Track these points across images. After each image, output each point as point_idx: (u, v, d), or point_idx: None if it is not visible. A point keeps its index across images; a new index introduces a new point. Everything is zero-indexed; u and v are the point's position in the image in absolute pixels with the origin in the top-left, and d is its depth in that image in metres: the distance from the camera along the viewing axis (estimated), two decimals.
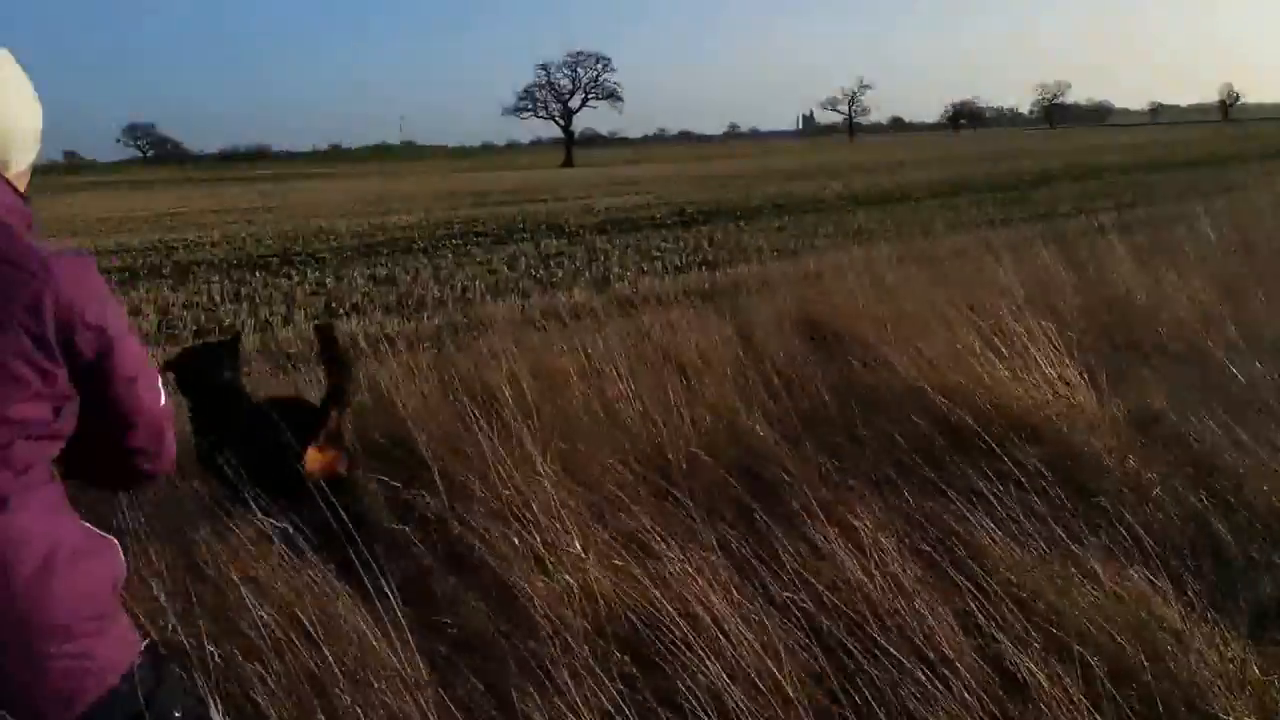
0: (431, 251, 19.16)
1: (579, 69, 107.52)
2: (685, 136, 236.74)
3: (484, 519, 3.40)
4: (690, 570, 3.02)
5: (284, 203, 42.15)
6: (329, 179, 76.67)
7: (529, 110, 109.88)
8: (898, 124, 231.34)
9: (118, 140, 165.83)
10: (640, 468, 3.97)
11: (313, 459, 3.74)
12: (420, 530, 3.71)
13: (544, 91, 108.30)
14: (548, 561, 3.07)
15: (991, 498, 3.32)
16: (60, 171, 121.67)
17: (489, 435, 4.41)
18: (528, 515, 3.32)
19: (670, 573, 3.04)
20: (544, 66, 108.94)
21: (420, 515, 3.87)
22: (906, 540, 3.23)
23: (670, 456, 4.14)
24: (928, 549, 3.19)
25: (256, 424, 3.75)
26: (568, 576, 2.97)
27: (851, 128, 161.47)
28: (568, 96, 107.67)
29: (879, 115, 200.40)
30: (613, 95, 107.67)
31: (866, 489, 3.62)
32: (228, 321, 11.62)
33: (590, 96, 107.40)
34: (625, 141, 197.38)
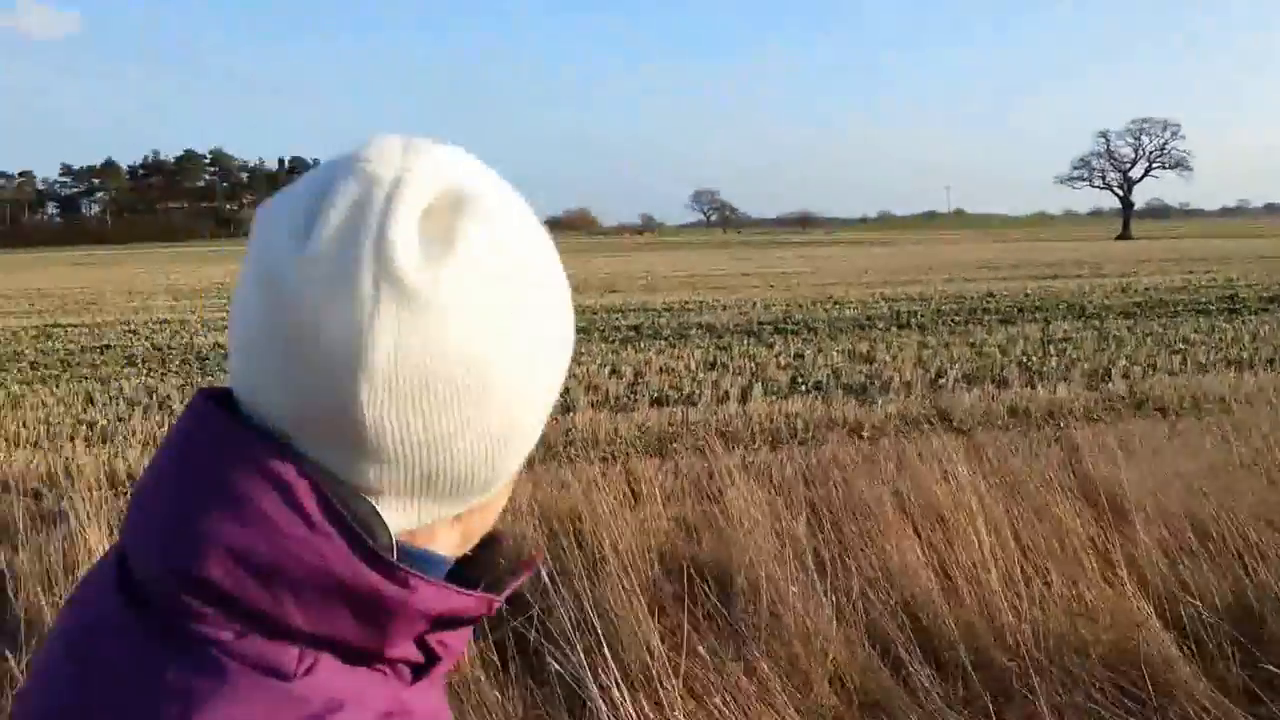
0: (929, 327, 18.18)
1: (1143, 136, 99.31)
2: (1272, 209, 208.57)
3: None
4: None
5: (812, 269, 43.25)
6: (869, 247, 77.91)
7: (1084, 179, 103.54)
8: None
9: (686, 205, 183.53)
10: (938, 671, 2.95)
11: None
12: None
13: (1102, 160, 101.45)
14: None
15: None
16: (632, 232, 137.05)
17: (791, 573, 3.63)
18: None
19: None
20: (1104, 134, 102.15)
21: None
22: None
23: (997, 660, 3.07)
24: None
25: None
26: None
27: None
28: (1128, 166, 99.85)
29: None
30: (1180, 164, 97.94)
31: None
32: (687, 390, 11.68)
33: (1154, 165, 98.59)
34: (1197, 214, 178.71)
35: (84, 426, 10.01)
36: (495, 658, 3.55)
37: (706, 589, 4.05)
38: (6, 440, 9.39)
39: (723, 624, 3.51)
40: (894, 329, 18.10)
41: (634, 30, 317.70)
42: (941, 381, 12.08)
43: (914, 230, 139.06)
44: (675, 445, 9.05)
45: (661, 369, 13.45)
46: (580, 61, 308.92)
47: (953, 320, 19.41)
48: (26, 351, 16.78)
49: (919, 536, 4.20)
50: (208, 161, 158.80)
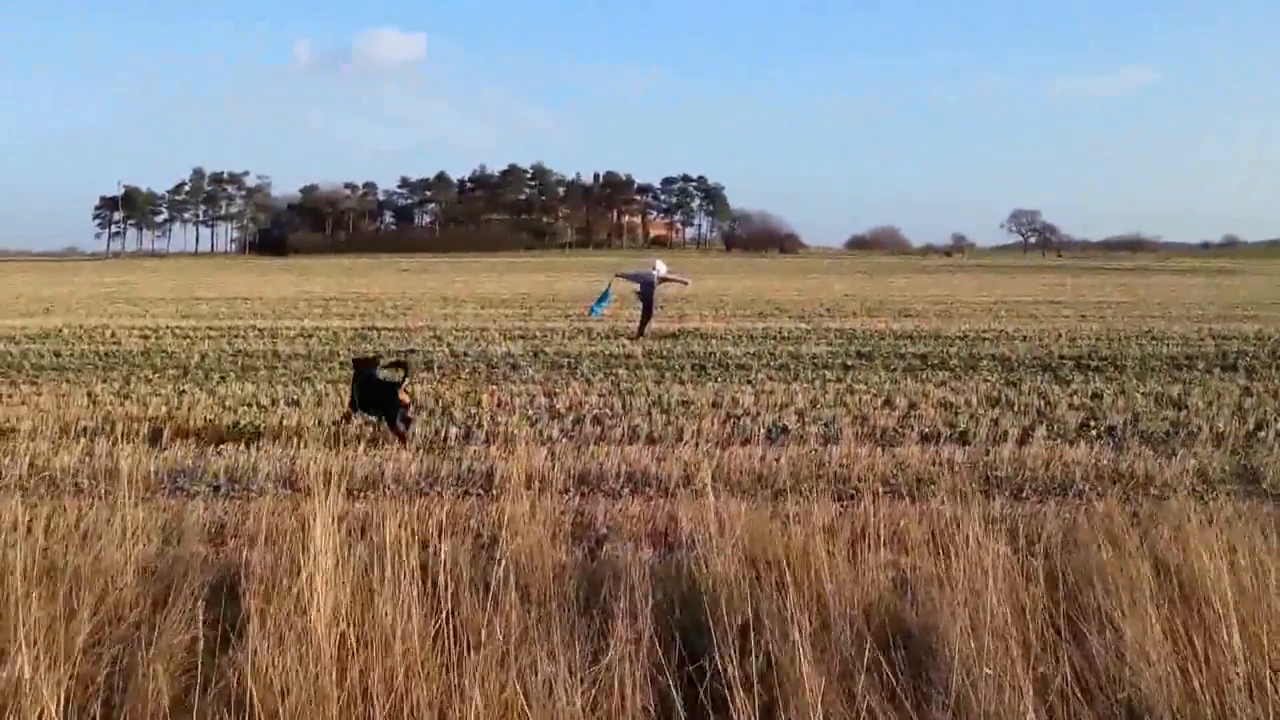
0: (1259, 371, 16.21)
1: None
2: None
3: None
4: None
5: (1134, 299, 40.00)
6: (1206, 276, 71.14)
7: None
8: None
9: (1001, 225, 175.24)
10: None
11: (402, 397, 9.97)
12: None
13: None
14: None
15: None
16: (940, 253, 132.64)
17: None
18: None
19: None
20: None
21: None
22: None
23: None
24: None
25: (382, 388, 10.27)
26: None
27: None
28: None
29: None
30: None
31: None
32: (962, 427, 10.95)
33: None
34: None
35: (367, 427, 10.70)
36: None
37: (903, 659, 3.70)
38: (293, 435, 10.19)
39: (902, 703, 3.15)
40: (1216, 371, 16.26)
41: (950, 44, 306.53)
42: (1260, 435, 10.66)
43: (1265, 258, 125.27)
44: (933, 487, 8.49)
45: (940, 403, 12.72)
46: (898, 76, 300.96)
47: None
48: (341, 353, 18.33)
49: (1168, 622, 3.61)
50: (529, 176, 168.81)
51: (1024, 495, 8.18)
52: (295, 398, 12.84)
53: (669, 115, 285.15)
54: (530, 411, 11.80)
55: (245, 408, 12.10)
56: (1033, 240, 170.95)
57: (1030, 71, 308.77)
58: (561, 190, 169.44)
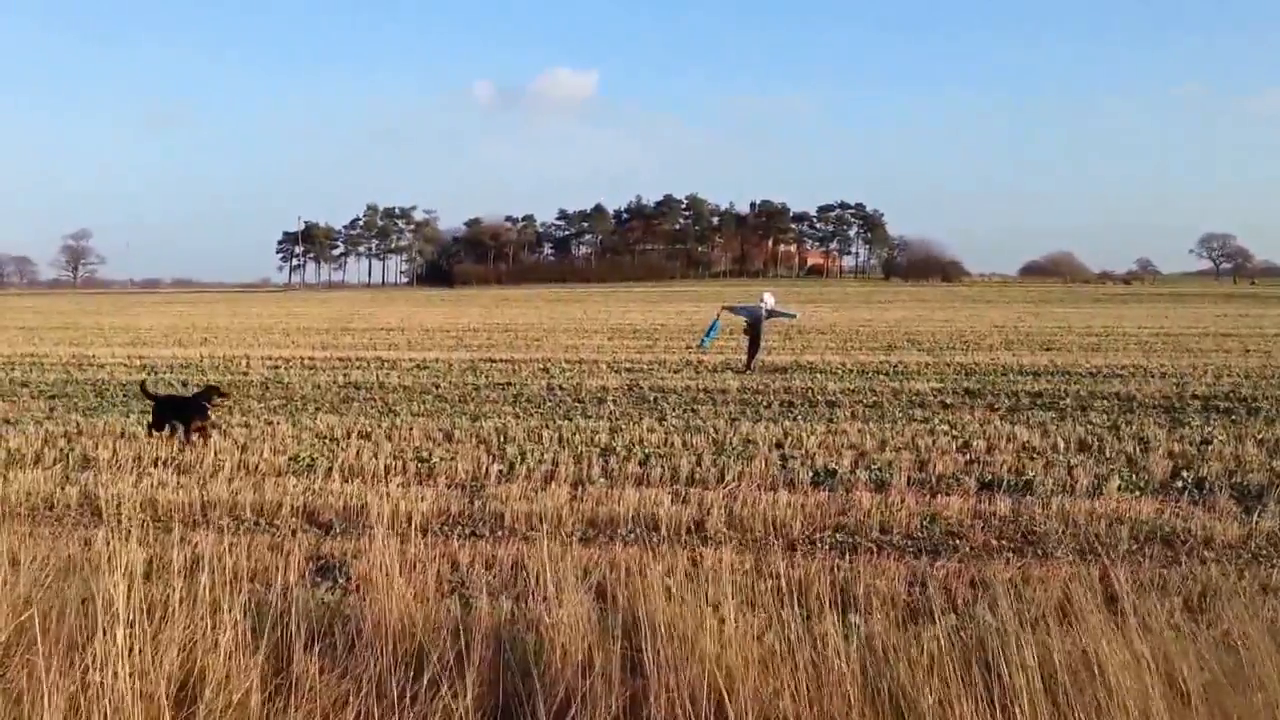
0: None
1: None
2: None
3: None
4: None
5: None
6: None
7: None
8: None
9: (1190, 251, 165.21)
10: None
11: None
12: None
13: None
14: None
15: None
16: (1117, 280, 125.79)
17: None
18: None
19: None
20: None
21: None
22: None
23: None
24: None
25: (188, 404, 12.70)
26: None
27: None
28: None
29: None
30: None
31: None
32: (1031, 475, 10.14)
33: None
34: None
35: (406, 461, 10.76)
36: None
37: None
38: (339, 473, 10.33)
39: None
40: None
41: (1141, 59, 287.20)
42: None
43: None
44: (957, 542, 7.86)
45: (1023, 446, 11.87)
46: (1076, 92, 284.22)
47: None
48: (441, 385, 18.57)
49: None
50: (684, 206, 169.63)
51: (1052, 554, 7.45)
52: (368, 430, 13.05)
53: (826, 141, 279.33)
54: (583, 449, 11.63)
55: (318, 440, 12.36)
56: (1225, 266, 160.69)
57: (1226, 83, 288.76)
58: (716, 220, 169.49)
